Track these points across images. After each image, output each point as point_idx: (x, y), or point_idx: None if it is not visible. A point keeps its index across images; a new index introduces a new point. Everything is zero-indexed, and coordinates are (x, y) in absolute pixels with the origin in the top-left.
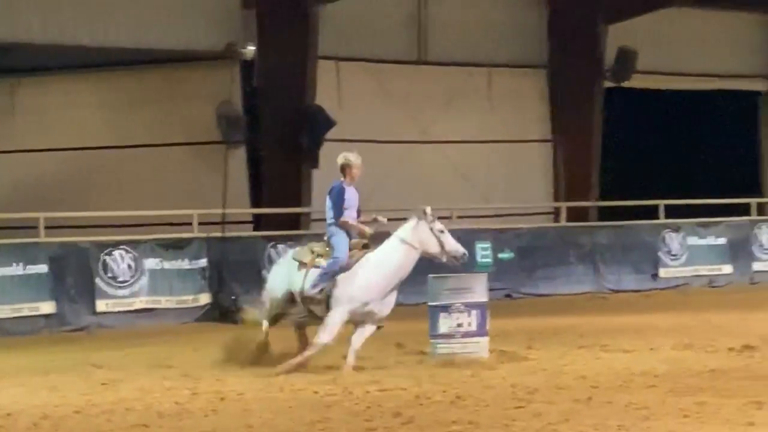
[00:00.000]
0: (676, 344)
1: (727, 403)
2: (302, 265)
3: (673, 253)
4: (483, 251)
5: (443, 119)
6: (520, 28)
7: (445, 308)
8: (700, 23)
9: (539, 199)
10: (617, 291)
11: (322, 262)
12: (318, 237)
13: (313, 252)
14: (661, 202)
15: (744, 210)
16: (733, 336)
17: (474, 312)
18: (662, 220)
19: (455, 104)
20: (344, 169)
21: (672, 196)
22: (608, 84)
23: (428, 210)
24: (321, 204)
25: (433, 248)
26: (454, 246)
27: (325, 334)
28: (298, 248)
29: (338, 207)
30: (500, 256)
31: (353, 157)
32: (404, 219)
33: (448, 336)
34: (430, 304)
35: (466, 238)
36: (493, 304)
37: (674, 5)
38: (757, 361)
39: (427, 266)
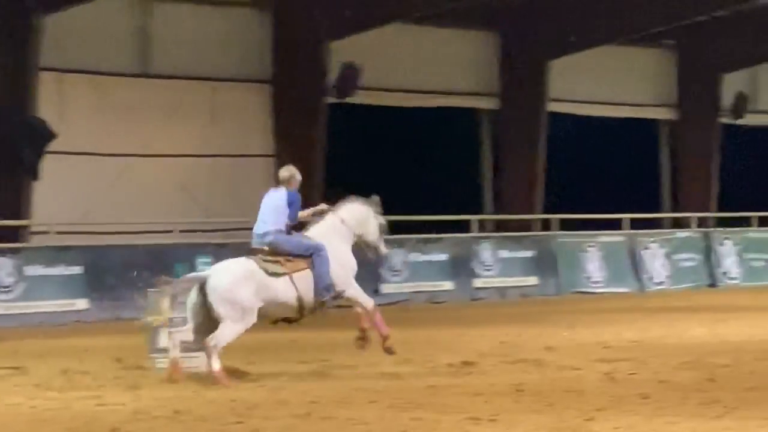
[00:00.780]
0: (396, 360)
1: (444, 418)
2: (278, 274)
3: (395, 268)
4: (205, 266)
5: (166, 133)
6: (245, 42)
7: None
8: (425, 41)
9: None
10: (339, 307)
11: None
12: (39, 250)
13: (272, 261)
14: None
15: (465, 227)
16: (453, 352)
17: None
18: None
19: (178, 118)
20: (290, 180)
21: (396, 212)
22: (332, 100)
23: (377, 200)
24: (42, 216)
25: (371, 236)
26: (383, 245)
27: (366, 299)
28: (251, 260)
29: (297, 213)
30: None
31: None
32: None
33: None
34: (149, 317)
35: (187, 252)
36: None
37: (396, 21)
38: (475, 377)
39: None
